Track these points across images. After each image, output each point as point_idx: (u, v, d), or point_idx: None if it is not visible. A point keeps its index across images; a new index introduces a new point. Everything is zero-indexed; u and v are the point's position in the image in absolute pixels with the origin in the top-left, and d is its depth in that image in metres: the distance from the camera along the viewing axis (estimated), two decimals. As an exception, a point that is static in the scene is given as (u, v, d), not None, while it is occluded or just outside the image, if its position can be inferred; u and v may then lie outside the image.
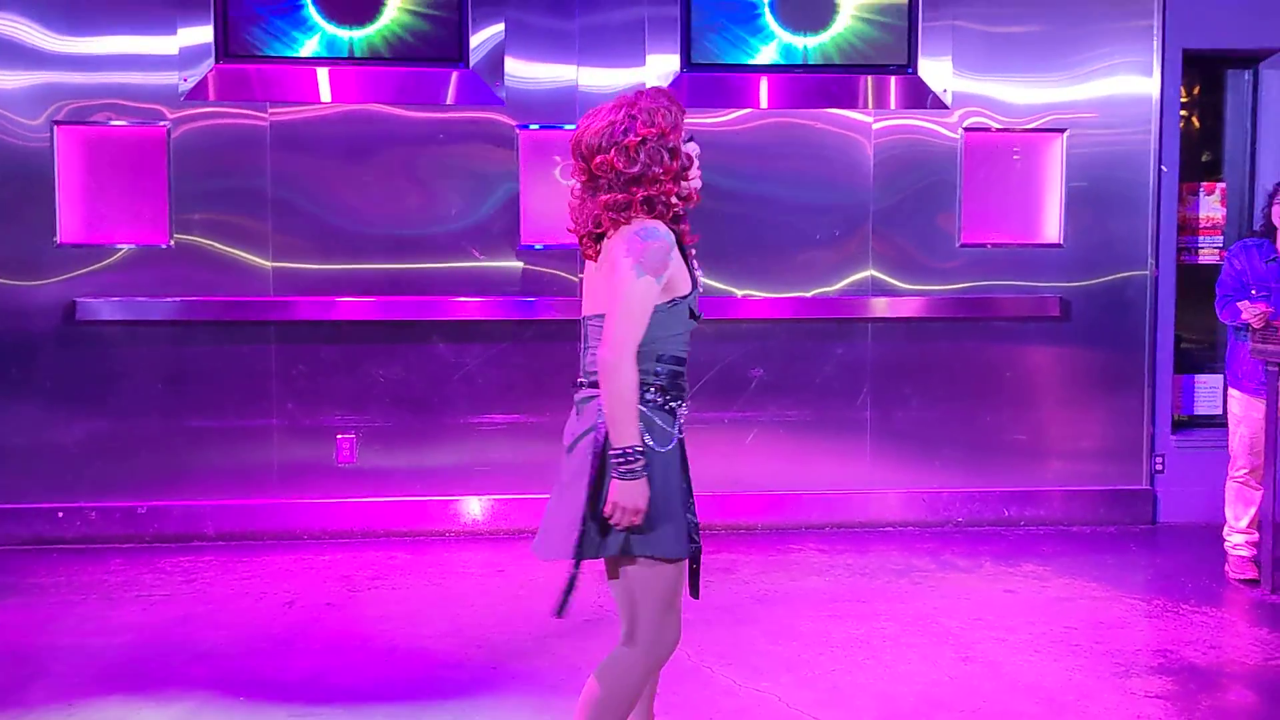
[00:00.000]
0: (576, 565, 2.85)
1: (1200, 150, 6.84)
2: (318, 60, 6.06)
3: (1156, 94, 6.30)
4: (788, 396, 6.28)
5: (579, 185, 2.97)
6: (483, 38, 6.05)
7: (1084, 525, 6.33)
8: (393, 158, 6.04)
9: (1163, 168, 6.33)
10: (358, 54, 6.10)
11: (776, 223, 6.24)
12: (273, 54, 6.05)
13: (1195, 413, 6.63)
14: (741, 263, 6.21)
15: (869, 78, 6.25)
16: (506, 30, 6.04)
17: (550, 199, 6.10)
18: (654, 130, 2.88)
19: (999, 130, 6.28)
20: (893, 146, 6.24)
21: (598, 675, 2.96)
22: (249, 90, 5.98)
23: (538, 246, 6.11)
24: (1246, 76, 6.66)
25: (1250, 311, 5.14)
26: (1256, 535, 5.36)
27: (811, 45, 6.28)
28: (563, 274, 6.11)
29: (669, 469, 2.91)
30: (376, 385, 6.09)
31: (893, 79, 6.26)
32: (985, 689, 4.08)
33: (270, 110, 5.96)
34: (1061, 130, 6.30)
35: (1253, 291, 5.28)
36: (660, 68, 6.11)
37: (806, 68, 6.27)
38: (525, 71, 6.07)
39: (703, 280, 5.99)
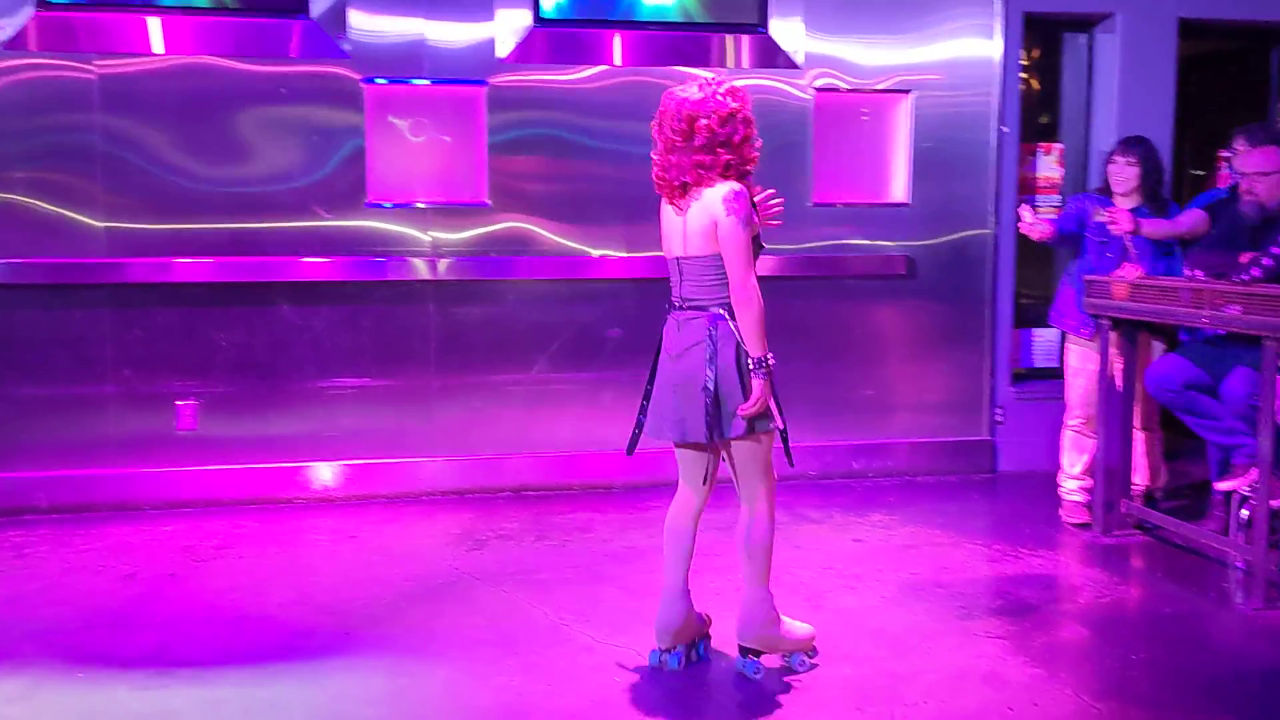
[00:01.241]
0: (710, 443, 3.79)
1: (1039, 112, 7.04)
2: (148, 8, 5.78)
3: (998, 56, 6.46)
4: (645, 355, 6.16)
5: (665, 145, 3.73)
6: (325, -12, 5.88)
7: (929, 475, 6.51)
8: (231, 113, 5.82)
9: (1004, 128, 6.50)
10: (192, 3, 5.86)
11: (633, 182, 6.16)
12: (99, 1, 5.77)
13: (1033, 365, 6.86)
14: (598, 222, 6.17)
15: (722, 36, 6.27)
16: (351, -19, 5.88)
17: (399, 156, 5.99)
18: (740, 105, 3.69)
19: (849, 91, 6.37)
20: (745, 106, 6.26)
21: (746, 548, 3.88)
22: (73, 40, 5.68)
23: (386, 205, 5.98)
24: (1083, 40, 6.87)
25: (1028, 223, 5.53)
26: (1089, 481, 5.58)
27: (665, 3, 6.25)
28: (412, 232, 5.99)
29: None
30: (218, 350, 5.89)
31: (745, 38, 6.29)
32: (835, 635, 4.16)
33: (97, 63, 5.67)
34: (909, 91, 6.41)
35: (1037, 206, 5.59)
36: (511, 22, 6.01)
37: (660, 25, 6.25)
38: (370, 24, 5.90)
39: (559, 241, 5.94)
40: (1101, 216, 5.40)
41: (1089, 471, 5.60)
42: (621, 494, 6.17)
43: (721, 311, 3.73)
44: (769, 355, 3.72)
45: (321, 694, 3.74)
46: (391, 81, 5.95)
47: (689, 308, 3.80)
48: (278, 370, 5.95)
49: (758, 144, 3.78)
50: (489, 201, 6.05)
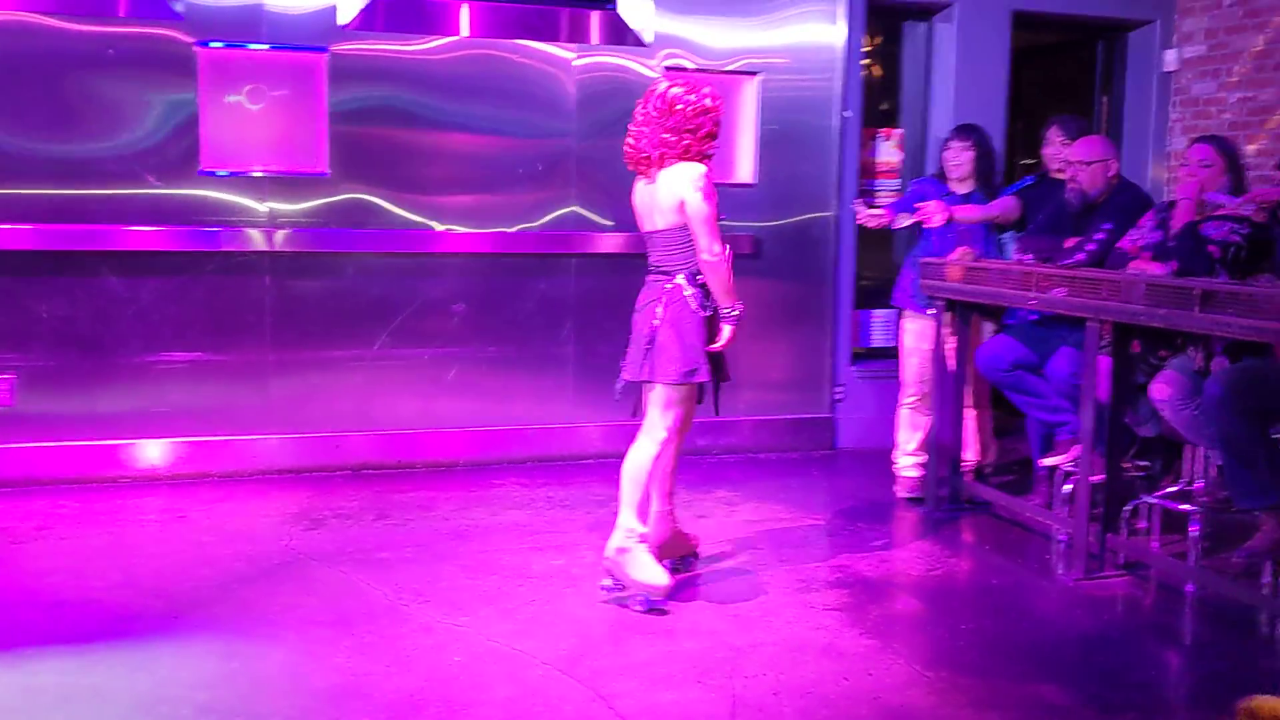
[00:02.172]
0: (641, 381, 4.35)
1: (880, 98, 7.20)
2: (-38, -39, 5.47)
3: (841, 42, 6.56)
4: (490, 332, 6.23)
5: (643, 119, 4.29)
6: (157, -54, 5.63)
7: (771, 452, 6.61)
8: (55, 74, 5.52)
9: (846, 113, 6.62)
10: (13, -43, 5.55)
11: (479, 157, 6.13)
12: (-89, -48, 5.43)
13: (871, 345, 7.02)
14: (442, 196, 6.08)
15: (572, 11, 6.21)
16: (184, -61, 5.64)
17: (235, 123, 5.78)
18: (715, 106, 4.30)
19: (697, 70, 6.39)
20: (595, 83, 6.24)
21: (623, 471, 4.31)
22: (-117, -8, 5.34)
23: (221, 173, 5.77)
24: (922, 29, 7.04)
25: (865, 214, 5.70)
26: (924, 458, 5.73)
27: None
28: (248, 202, 5.80)
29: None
30: (39, 322, 5.60)
31: (595, 14, 6.25)
32: (679, 610, 4.19)
33: (-91, 16, 5.35)
34: (755, 73, 6.47)
35: (876, 192, 5.73)
36: (353, -11, 5.87)
37: (509, -2, 6.18)
38: (205, -15, 5.70)
39: (402, 214, 5.81)
40: (907, 221, 5.58)
41: (923, 448, 5.75)
42: (464, 472, 6.10)
43: (681, 278, 4.27)
44: (738, 306, 4.33)
45: (148, 679, 3.60)
46: (228, 45, 5.74)
47: (655, 272, 4.35)
48: (102, 344, 5.70)
49: (715, 143, 4.33)
50: (329, 172, 5.90)
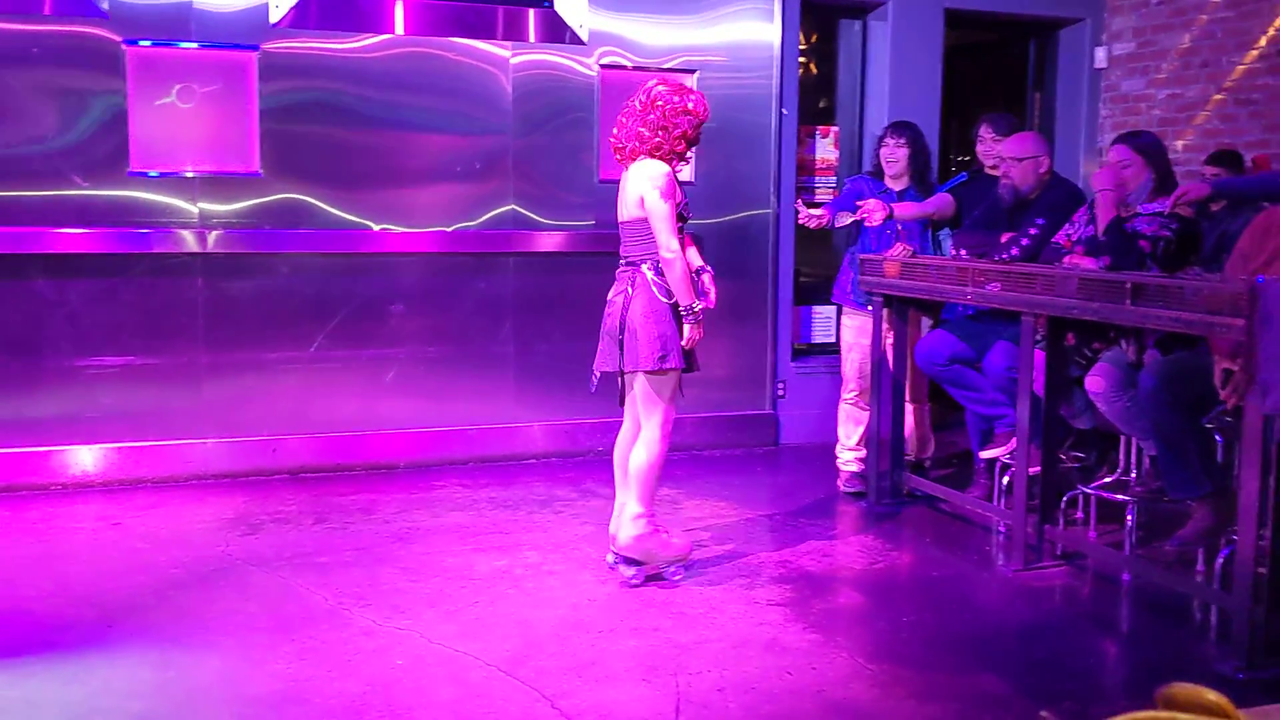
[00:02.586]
0: (619, 372, 4.42)
1: (817, 95, 7.24)
2: (-117, -42, 5.34)
3: (778, 40, 6.59)
4: (429, 332, 6.18)
5: (626, 113, 4.41)
6: (82, -56, 5.52)
7: (714, 449, 6.62)
8: (-21, 73, 5.42)
9: (783, 111, 6.64)
10: (-67, -46, 5.42)
11: (416, 156, 6.08)
12: None
13: (812, 341, 7.06)
14: (379, 196, 6.02)
15: (506, 9, 6.18)
16: (111, -63, 5.54)
17: (165, 123, 5.69)
18: (697, 111, 4.39)
19: (634, 69, 6.38)
20: (532, 81, 6.22)
21: (632, 468, 4.41)
22: None
23: (152, 174, 5.67)
24: (858, 27, 7.09)
25: (805, 215, 5.67)
26: (865, 452, 5.77)
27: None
28: (179, 203, 5.71)
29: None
30: (-35, 326, 5.49)
31: (531, 11, 6.22)
32: (623, 608, 4.18)
33: None
34: (693, 71, 6.48)
35: (815, 189, 5.76)
36: (286, -13, 5.79)
37: (441, -5, 6.13)
38: (133, -16, 5.60)
39: (337, 213, 5.78)
40: (848, 220, 5.61)
41: (864, 442, 5.79)
42: (405, 473, 6.05)
43: (646, 268, 4.35)
44: (696, 303, 4.34)
45: (81, 690, 3.52)
46: (156, 44, 5.64)
47: (625, 263, 4.44)
48: (31, 348, 5.58)
49: (689, 147, 4.45)
50: (262, 172, 5.82)
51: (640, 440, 4.43)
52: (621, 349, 4.33)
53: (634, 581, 4.40)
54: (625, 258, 4.45)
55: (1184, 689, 0.90)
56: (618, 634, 3.95)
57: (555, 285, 6.34)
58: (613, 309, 4.40)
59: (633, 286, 4.34)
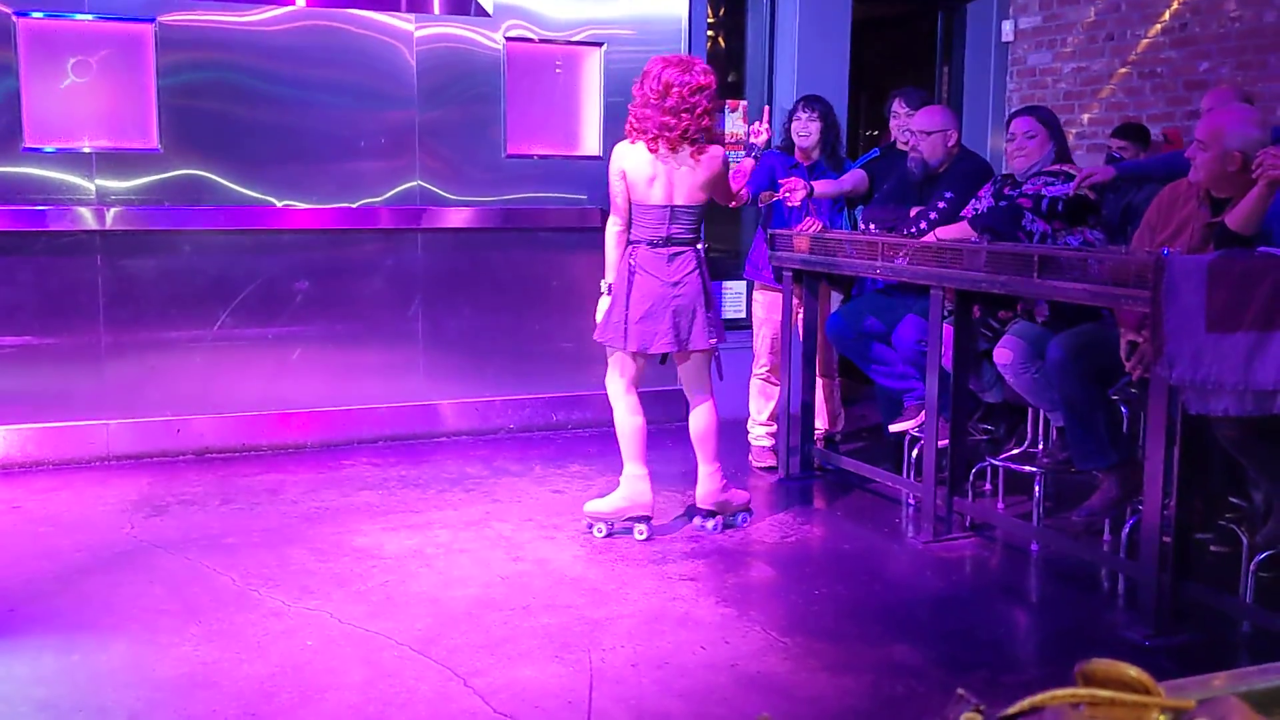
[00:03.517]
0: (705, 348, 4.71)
1: (726, 69, 7.24)
2: None
3: (685, 13, 6.57)
4: (336, 309, 6.09)
5: (641, 100, 4.51)
6: (-31, -90, 5.33)
7: (626, 426, 6.60)
8: None
9: (692, 84, 6.61)
10: None
11: (319, 131, 5.97)
12: None
13: (724, 317, 7.05)
14: (282, 172, 5.90)
15: (410, -19, 6.10)
16: (-1, -97, 5.35)
17: (60, 98, 5.51)
18: (709, 79, 4.53)
19: (540, 42, 6.33)
20: (437, 55, 6.13)
21: (704, 432, 4.78)
22: None
23: (47, 149, 5.51)
24: (766, 1, 7.09)
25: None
26: (775, 427, 5.81)
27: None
28: (76, 180, 5.55)
29: None
30: None
31: (435, -16, 6.14)
32: (535, 586, 4.18)
33: None
34: (600, 44, 6.44)
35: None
36: (184, -43, 5.64)
37: (345, -34, 6.01)
38: (23, -47, 5.41)
39: (239, 190, 5.64)
40: (767, 197, 5.60)
41: (774, 418, 5.83)
42: (314, 453, 5.97)
43: (700, 247, 4.68)
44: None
45: (-20, 678, 3.44)
46: (48, 16, 5.47)
47: (675, 244, 4.59)
48: (-78, 330, 5.41)
49: (712, 119, 4.60)
50: (160, 147, 5.68)
51: (706, 408, 4.78)
52: (695, 326, 4.59)
53: (715, 531, 4.78)
54: (677, 238, 4.59)
55: (1103, 665, 0.91)
56: (530, 611, 3.95)
57: (464, 262, 6.28)
58: (683, 289, 4.57)
59: (695, 268, 4.58)
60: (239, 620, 3.83)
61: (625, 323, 4.60)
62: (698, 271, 4.61)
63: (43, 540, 4.61)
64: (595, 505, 4.75)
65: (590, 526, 4.74)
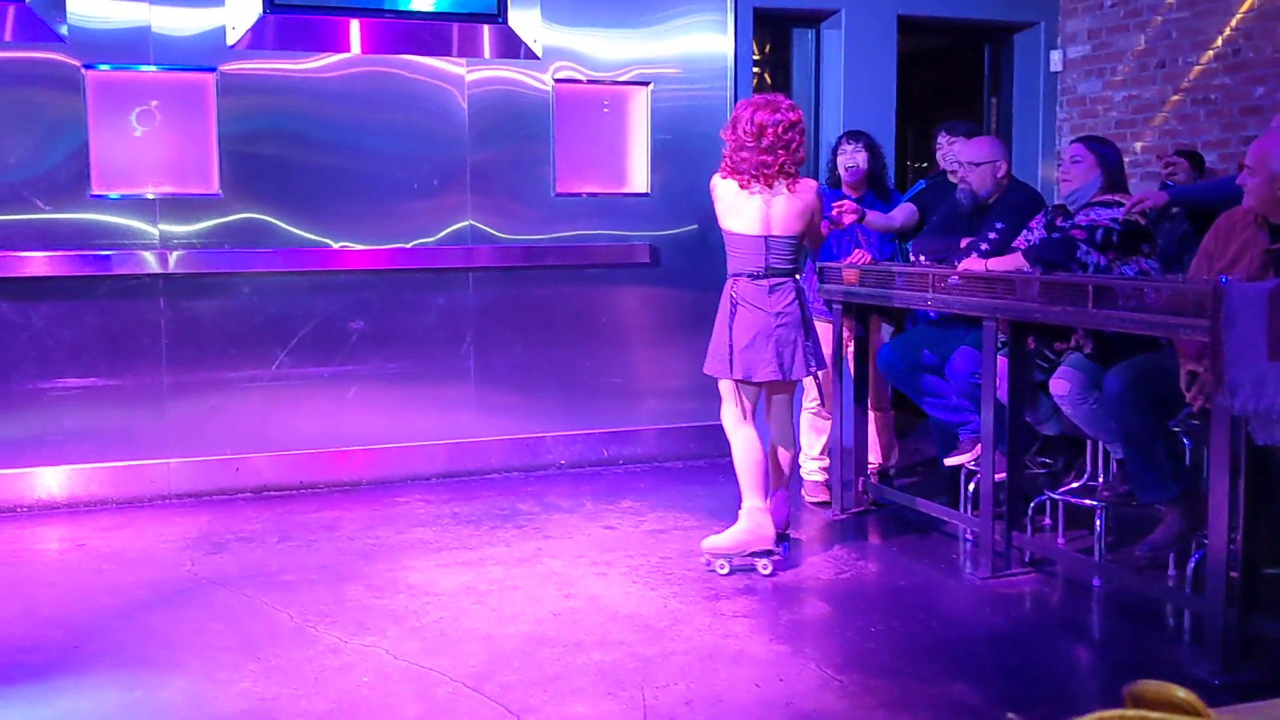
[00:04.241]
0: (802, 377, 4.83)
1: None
2: None
3: (731, 51, 6.62)
4: (390, 348, 6.17)
5: (735, 144, 4.67)
6: (38, -31, 5.50)
7: (677, 460, 6.63)
8: (-64, 99, 5.40)
9: (739, 121, 6.66)
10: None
11: (373, 173, 6.08)
12: None
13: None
14: (338, 213, 6.01)
15: (463, 26, 6.20)
16: (66, -36, 5.53)
17: (125, 145, 5.68)
18: (798, 114, 4.71)
19: (589, 83, 6.40)
20: (487, 97, 6.22)
21: (788, 462, 4.96)
22: None
23: (113, 195, 5.65)
24: (811, 35, 7.13)
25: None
26: (828, 461, 5.79)
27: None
28: (141, 225, 5.69)
29: None
30: (-74, 351, 5.45)
31: (486, 28, 6.23)
32: (588, 622, 4.18)
33: None
34: (647, 84, 6.50)
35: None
36: (242, 8, 5.78)
37: (398, 13, 6.13)
38: (91, 9, 5.57)
39: (297, 232, 5.72)
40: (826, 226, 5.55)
41: (826, 452, 5.81)
42: (369, 490, 6.04)
43: (799, 278, 4.77)
44: None
45: (49, 711, 3.51)
46: (115, 68, 5.63)
47: (774, 275, 4.70)
48: (-6, 371, 5.55)
49: (803, 150, 4.74)
50: (221, 192, 5.81)
51: (788, 438, 4.94)
52: (803, 355, 4.71)
53: (785, 552, 4.88)
54: (774, 270, 4.69)
55: (1152, 686, 0.91)
56: (583, 648, 3.95)
57: (514, 299, 6.35)
58: (785, 320, 4.68)
59: (796, 298, 4.70)
60: (296, 656, 3.87)
61: (730, 352, 4.68)
62: (798, 302, 4.72)
63: (106, 577, 4.70)
64: (715, 542, 4.72)
65: (709, 564, 4.72)
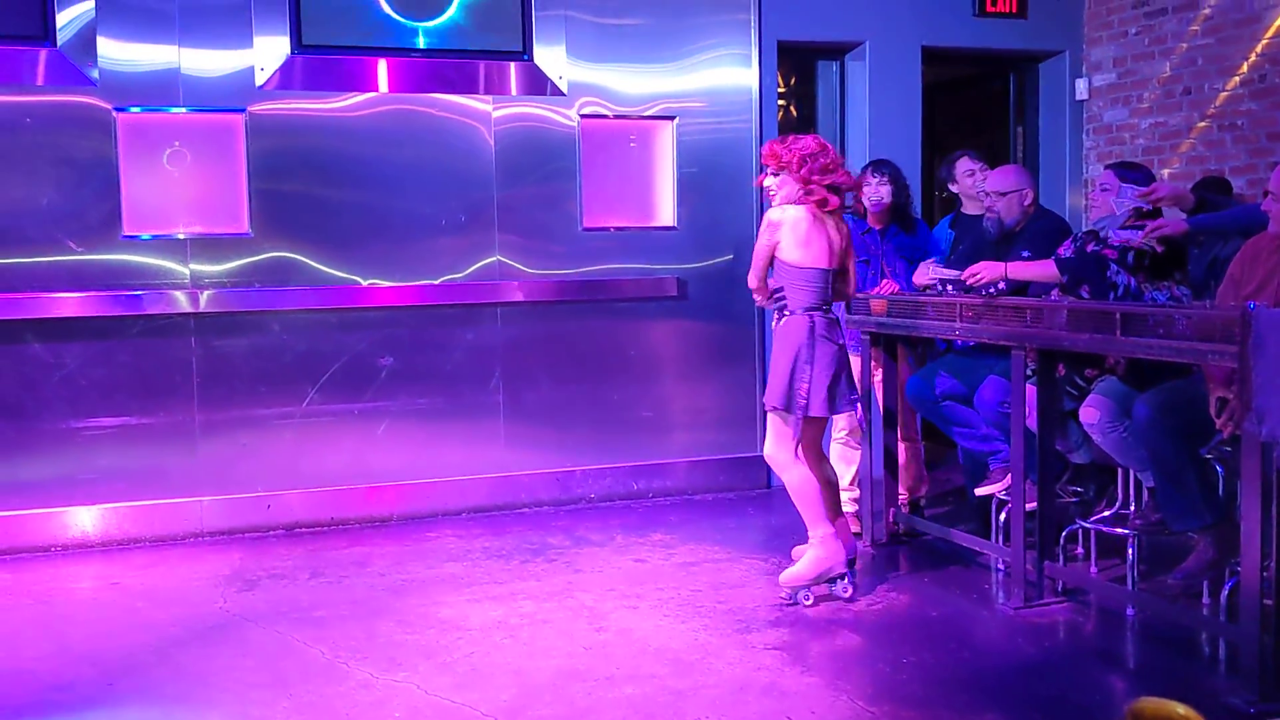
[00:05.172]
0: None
1: (798, 138, 7.27)
2: (-127, 33, 5.41)
3: (755, 83, 6.66)
4: (419, 384, 6.21)
5: (779, 176, 4.69)
6: (70, 15, 5.59)
7: (706, 493, 6.62)
8: (-29, 143, 5.49)
9: (764, 152, 6.69)
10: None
11: (402, 211, 6.14)
12: None
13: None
14: (366, 251, 6.07)
15: (489, 64, 6.26)
16: (97, 8, 5.61)
17: (156, 186, 5.75)
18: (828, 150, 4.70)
19: (614, 117, 6.45)
20: (514, 134, 6.28)
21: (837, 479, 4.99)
22: None
23: (144, 236, 5.73)
24: (835, 67, 7.16)
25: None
26: (858, 492, 5.76)
27: (427, 29, 6.19)
28: (171, 265, 5.76)
29: None
30: (-39, 392, 5.53)
31: (511, 65, 6.30)
32: (619, 656, 4.18)
33: None
34: (672, 118, 6.54)
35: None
36: (270, 50, 5.87)
37: (424, 52, 6.19)
38: (121, 52, 5.67)
39: (326, 270, 5.76)
40: (941, 273, 5.34)
41: (857, 482, 5.79)
42: (399, 525, 6.06)
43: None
44: None
45: (80, 752, 3.53)
46: (145, 110, 5.72)
47: (824, 307, 4.71)
48: (27, 411, 5.61)
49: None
50: (251, 231, 5.87)
51: (830, 466, 4.96)
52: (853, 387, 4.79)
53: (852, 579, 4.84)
54: (827, 302, 4.72)
55: (1152, 703, 0.91)
56: (614, 681, 3.95)
57: (542, 334, 6.38)
58: (843, 354, 4.72)
59: (842, 332, 4.76)
60: (328, 692, 3.88)
61: (810, 389, 4.62)
62: (843, 337, 4.79)
63: (140, 614, 4.73)
64: (794, 573, 4.73)
65: (790, 598, 4.73)
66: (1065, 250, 5.04)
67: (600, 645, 4.29)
